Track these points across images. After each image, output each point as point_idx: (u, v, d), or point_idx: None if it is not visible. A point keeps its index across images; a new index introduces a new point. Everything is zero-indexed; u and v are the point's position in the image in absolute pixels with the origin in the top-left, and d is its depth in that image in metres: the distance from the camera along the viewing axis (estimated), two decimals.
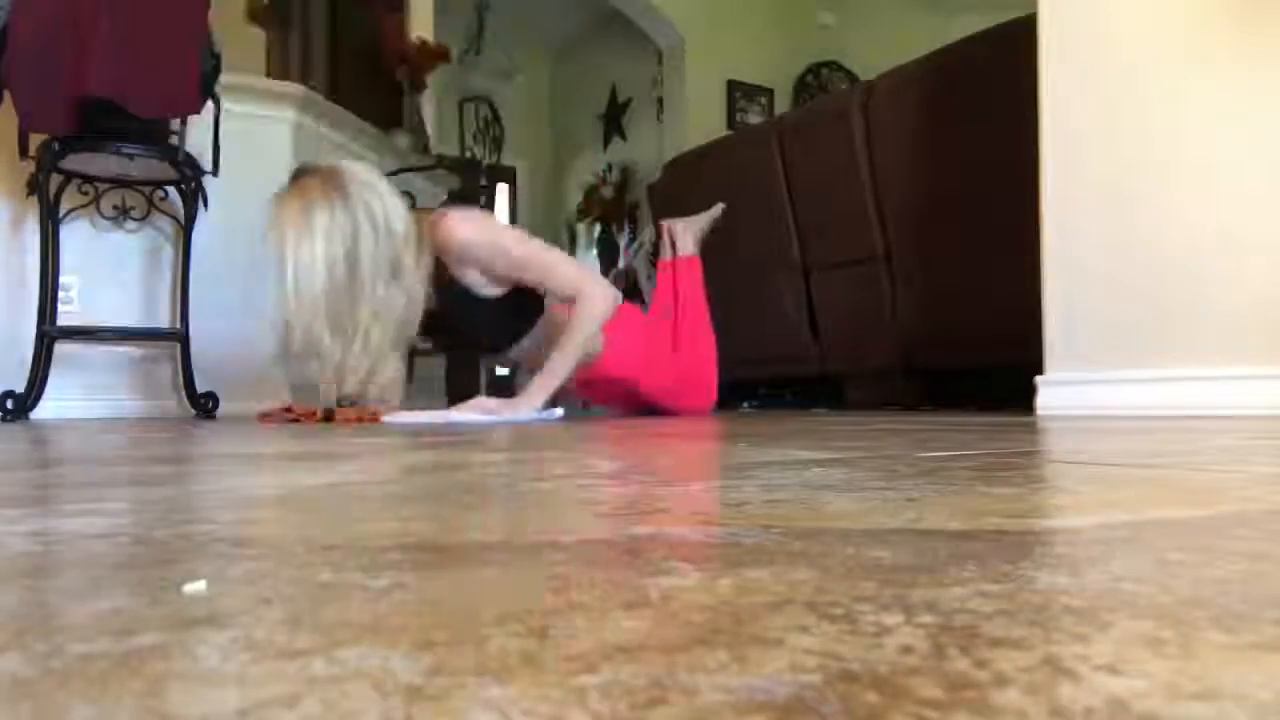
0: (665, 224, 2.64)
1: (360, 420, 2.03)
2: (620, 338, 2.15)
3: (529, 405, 1.91)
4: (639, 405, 2.36)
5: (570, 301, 1.97)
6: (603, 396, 2.44)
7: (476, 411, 1.89)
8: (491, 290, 1.95)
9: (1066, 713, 0.16)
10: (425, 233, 1.84)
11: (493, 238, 1.92)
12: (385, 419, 1.89)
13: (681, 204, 3.68)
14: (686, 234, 2.59)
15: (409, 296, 1.78)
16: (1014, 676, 0.18)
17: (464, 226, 1.87)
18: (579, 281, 2.00)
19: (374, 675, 0.19)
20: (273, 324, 1.71)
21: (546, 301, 2.04)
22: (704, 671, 0.19)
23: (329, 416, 2.02)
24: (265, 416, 2.17)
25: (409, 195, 1.96)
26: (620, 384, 2.23)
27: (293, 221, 1.67)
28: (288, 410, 2.14)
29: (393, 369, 1.80)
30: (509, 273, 1.93)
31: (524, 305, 2.01)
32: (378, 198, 1.75)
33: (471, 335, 2.07)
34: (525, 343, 2.05)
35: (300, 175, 1.76)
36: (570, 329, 1.95)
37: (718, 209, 2.68)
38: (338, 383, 1.74)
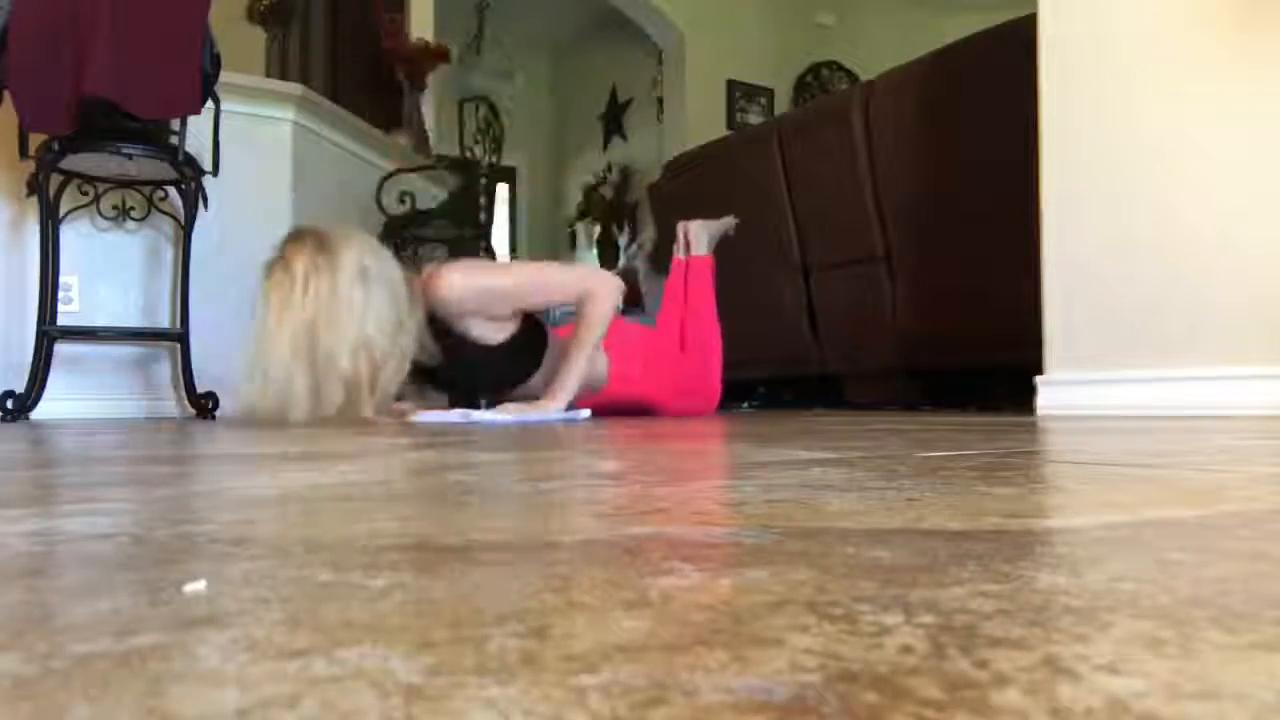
0: (682, 224, 2.67)
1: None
2: (621, 356, 2.18)
3: (556, 406, 1.92)
4: (644, 408, 2.38)
5: (579, 304, 2.00)
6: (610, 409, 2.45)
7: (505, 412, 1.90)
8: (500, 335, 1.96)
9: (1066, 713, 0.16)
10: (417, 292, 1.85)
11: (482, 282, 1.93)
12: (415, 417, 1.90)
13: (681, 204, 3.69)
14: (703, 234, 2.64)
15: (401, 353, 1.78)
16: (1014, 676, 0.18)
17: (454, 279, 1.88)
18: (580, 282, 2.02)
19: (374, 675, 0.19)
20: (251, 376, 1.70)
21: (550, 337, 2.07)
22: (704, 671, 0.19)
23: None
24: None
25: (399, 249, 1.97)
26: (627, 404, 2.25)
27: (279, 289, 1.67)
28: None
29: (390, 382, 1.81)
30: (514, 306, 1.95)
31: (531, 343, 2.03)
32: (372, 258, 1.76)
33: (482, 381, 2.07)
34: (536, 379, 2.06)
35: (290, 240, 1.77)
36: (582, 323, 1.97)
37: (731, 221, 2.72)
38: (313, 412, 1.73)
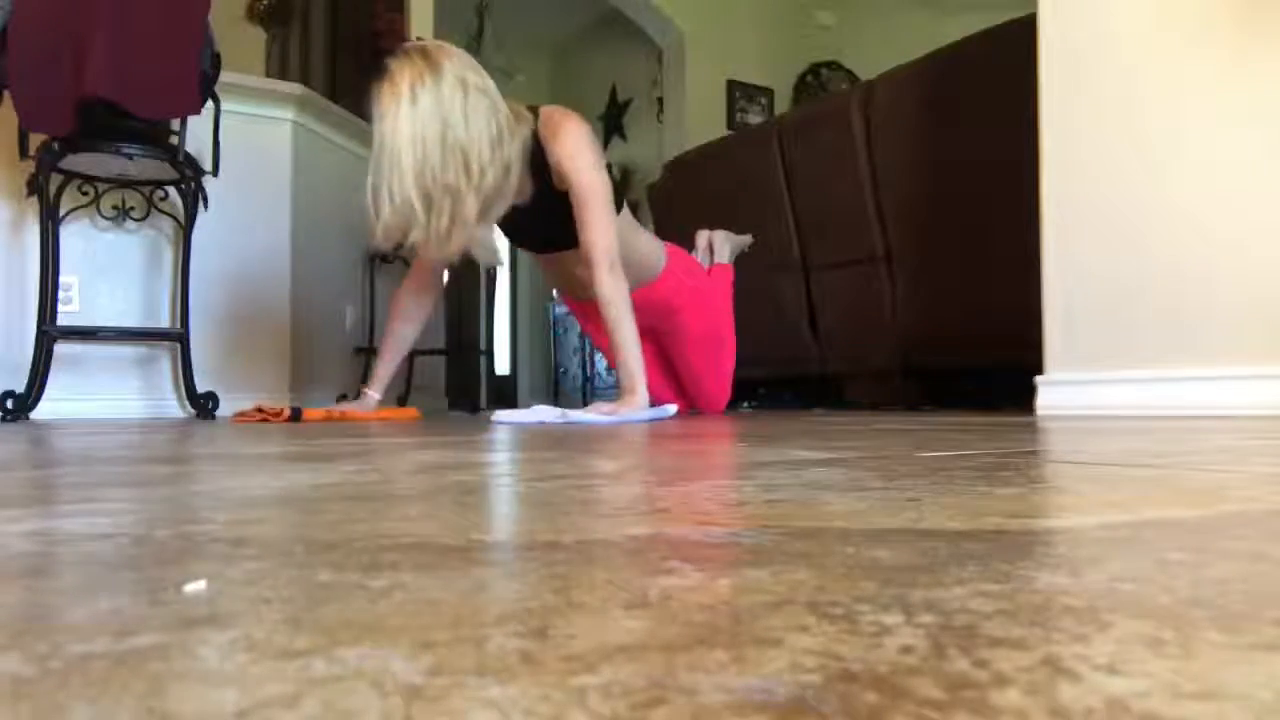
0: (704, 233, 2.70)
1: (329, 418, 2.04)
2: (677, 261, 2.27)
3: (641, 403, 1.90)
4: (653, 378, 2.42)
5: (576, 265, 2.01)
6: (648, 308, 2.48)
7: (594, 414, 1.87)
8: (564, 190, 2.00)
9: (1066, 713, 0.16)
10: (525, 117, 1.94)
11: (590, 161, 1.98)
12: (494, 417, 1.90)
13: (681, 204, 3.69)
14: (725, 245, 2.68)
15: (504, 171, 1.86)
16: (1014, 676, 0.18)
17: (570, 142, 1.95)
18: (610, 261, 1.96)
19: (374, 675, 0.19)
20: (371, 192, 1.81)
21: (626, 217, 2.12)
22: (704, 671, 0.19)
23: (296, 416, 2.04)
24: (241, 416, 2.19)
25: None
26: (665, 313, 2.30)
27: (393, 96, 1.78)
28: (259, 410, 2.15)
29: (488, 235, 1.93)
30: (574, 192, 1.97)
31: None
32: (476, 74, 1.85)
33: (555, 235, 2.07)
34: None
35: (399, 56, 1.84)
36: (614, 307, 1.94)
37: (749, 239, 2.77)
38: (437, 246, 1.85)
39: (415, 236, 1.82)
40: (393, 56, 1.84)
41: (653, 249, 2.27)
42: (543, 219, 2.03)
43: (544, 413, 1.85)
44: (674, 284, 2.29)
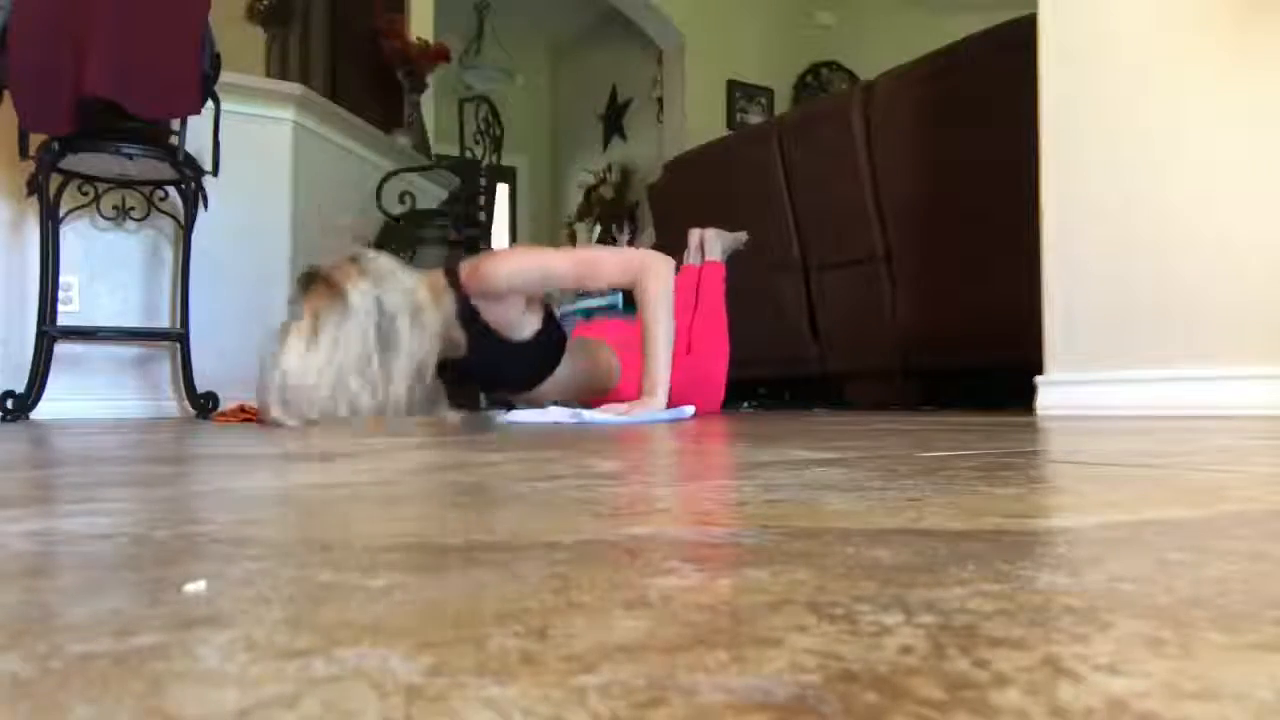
0: (696, 231, 2.68)
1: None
2: (632, 360, 2.19)
3: (657, 403, 1.91)
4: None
5: (631, 284, 1.99)
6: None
7: (609, 413, 1.87)
8: (526, 331, 1.97)
9: (1066, 713, 0.16)
10: (442, 286, 1.86)
11: (538, 260, 1.96)
12: (506, 418, 1.90)
13: (681, 204, 3.69)
14: (716, 242, 2.66)
15: (420, 363, 1.77)
16: (1014, 676, 0.18)
17: (506, 263, 1.91)
18: (633, 260, 1.99)
19: (374, 675, 0.19)
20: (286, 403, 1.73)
21: (569, 332, 2.09)
22: (704, 671, 0.19)
23: None
24: (221, 416, 2.18)
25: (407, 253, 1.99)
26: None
27: (299, 345, 1.69)
28: (242, 410, 2.14)
29: (419, 394, 1.81)
30: (571, 284, 1.96)
31: (552, 343, 2.05)
32: (386, 289, 1.75)
33: (502, 377, 2.08)
34: (560, 372, 2.08)
35: (305, 286, 1.78)
36: (648, 308, 1.95)
37: (743, 236, 2.75)
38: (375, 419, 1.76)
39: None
40: (300, 289, 1.78)
41: (607, 359, 2.20)
42: (491, 361, 1.99)
43: (557, 414, 1.87)
44: (631, 381, 2.24)
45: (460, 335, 1.88)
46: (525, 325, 1.97)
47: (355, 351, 1.70)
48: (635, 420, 1.83)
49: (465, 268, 1.93)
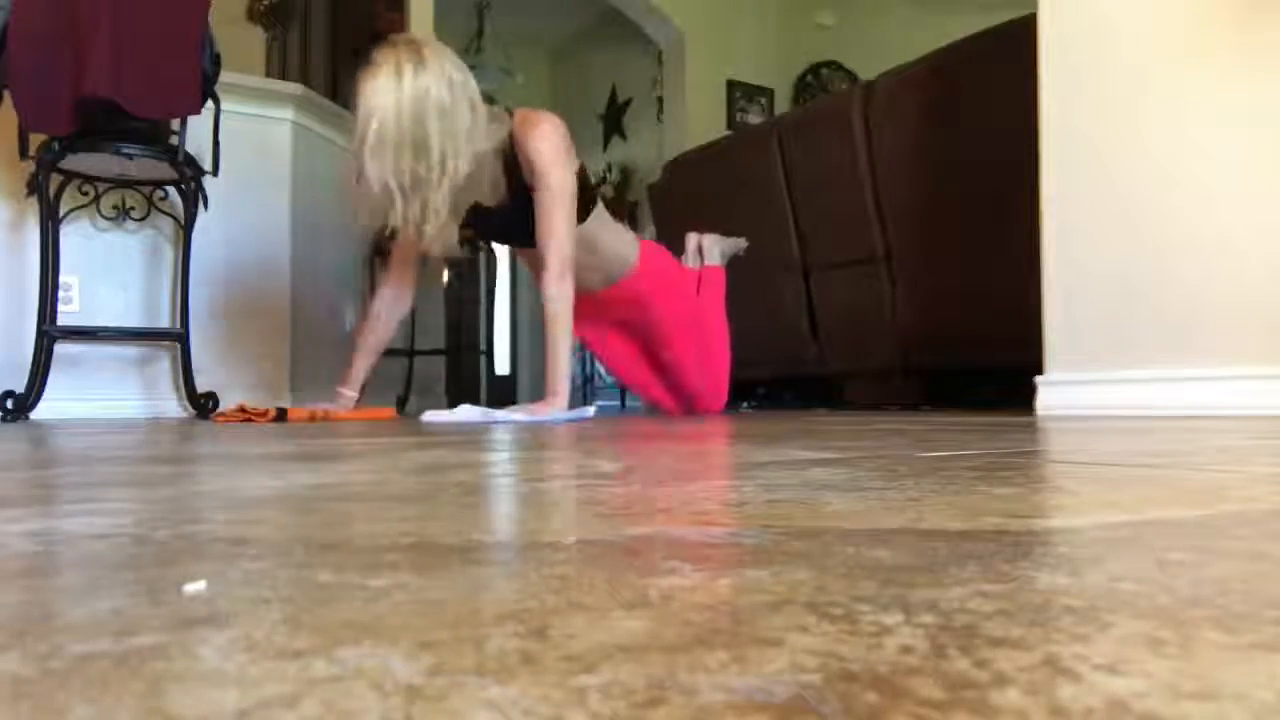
0: (694, 236, 2.69)
1: (312, 419, 2.04)
2: (649, 258, 2.27)
3: (560, 403, 1.95)
4: (644, 377, 2.43)
5: (540, 264, 2.02)
6: (609, 338, 2.48)
7: (516, 414, 1.92)
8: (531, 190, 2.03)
9: (1066, 713, 0.16)
10: (503, 120, 1.97)
11: (563, 160, 2.02)
12: (424, 417, 1.93)
13: (681, 204, 3.69)
14: (715, 247, 2.68)
15: (474, 164, 1.90)
16: (1014, 676, 0.18)
17: (554, 141, 2.00)
18: (569, 257, 2.01)
19: (374, 675, 0.19)
20: (353, 171, 1.88)
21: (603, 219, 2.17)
22: (704, 671, 0.19)
23: (281, 416, 2.04)
24: (221, 416, 2.19)
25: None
26: (640, 308, 2.29)
27: (375, 79, 1.83)
28: (242, 410, 2.15)
29: (451, 228, 1.95)
30: (537, 192, 2.00)
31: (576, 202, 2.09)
32: (458, 71, 1.89)
33: (527, 233, 2.09)
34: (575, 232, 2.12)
35: (386, 45, 1.89)
36: (553, 312, 1.99)
37: (742, 243, 2.76)
38: (413, 232, 1.89)
39: (393, 220, 1.87)
40: (380, 46, 1.88)
41: (623, 250, 2.28)
42: (516, 217, 2.05)
43: (468, 413, 1.91)
44: (645, 282, 2.31)
45: (501, 178, 1.99)
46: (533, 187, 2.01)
47: (434, 95, 1.83)
48: (540, 420, 1.86)
49: (522, 112, 2.02)
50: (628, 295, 2.28)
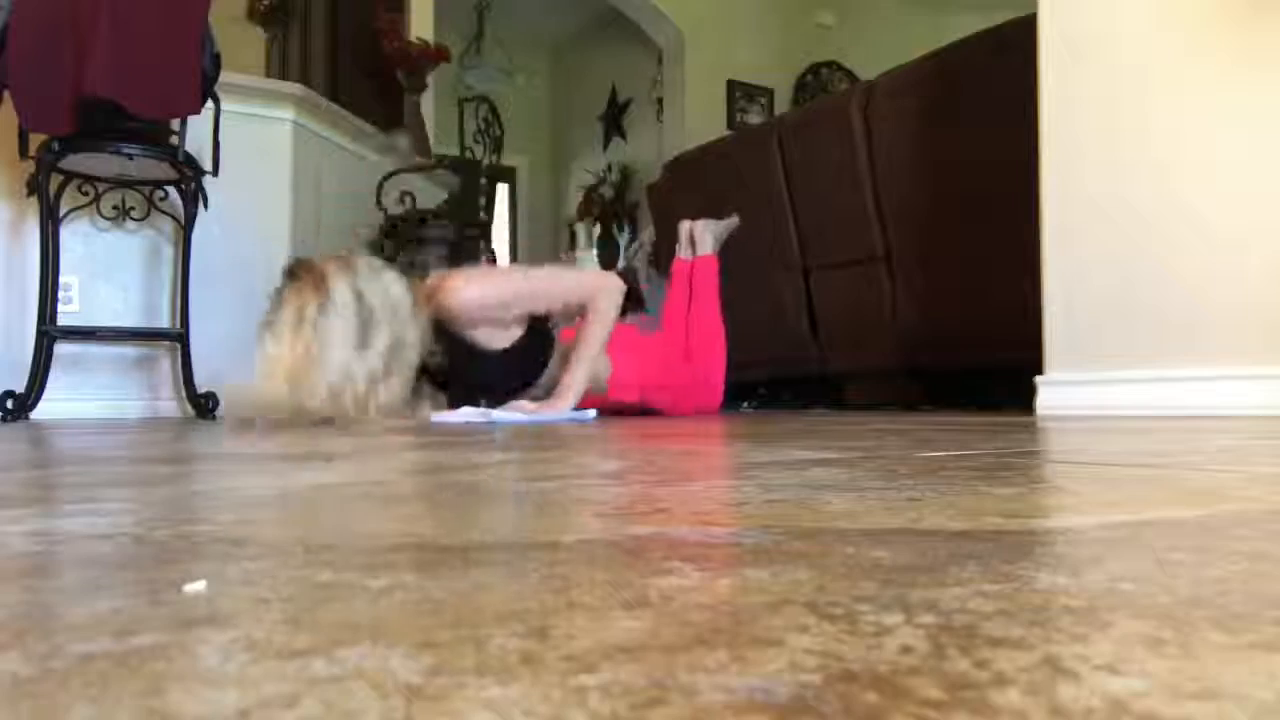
0: (686, 223, 2.68)
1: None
2: (624, 361, 2.20)
3: (564, 405, 1.96)
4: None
5: (586, 299, 2.03)
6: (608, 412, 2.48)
7: (516, 412, 1.92)
8: (504, 341, 1.97)
9: (1066, 713, 0.16)
10: (422, 298, 1.85)
11: (490, 291, 1.95)
12: (431, 419, 1.92)
13: (681, 204, 3.69)
14: (706, 234, 2.66)
15: (405, 368, 1.78)
16: (1014, 676, 0.18)
17: (470, 289, 1.90)
18: (585, 284, 2.07)
19: (374, 675, 0.19)
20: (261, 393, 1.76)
21: (555, 336, 2.09)
22: (704, 671, 0.19)
23: None
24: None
25: (393, 263, 2.00)
26: (626, 406, 2.28)
27: (287, 326, 1.71)
28: None
29: (389, 395, 1.81)
30: (521, 312, 1.97)
31: (535, 349, 2.04)
32: (372, 286, 1.76)
33: (485, 386, 2.07)
34: (547, 377, 2.08)
35: (286, 277, 1.81)
36: (587, 324, 2.01)
37: (734, 221, 2.74)
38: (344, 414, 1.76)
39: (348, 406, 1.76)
40: (285, 279, 1.81)
41: (597, 364, 2.18)
42: (475, 370, 2.00)
43: (468, 413, 1.91)
44: (625, 385, 2.25)
45: (435, 346, 1.86)
46: (500, 337, 1.97)
47: (336, 343, 1.70)
48: (540, 419, 1.87)
49: (425, 287, 1.90)
50: (614, 403, 2.24)
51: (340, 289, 1.73)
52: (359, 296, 1.74)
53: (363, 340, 1.72)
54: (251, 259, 2.92)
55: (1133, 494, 0.50)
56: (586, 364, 2.01)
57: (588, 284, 2.09)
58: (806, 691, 0.18)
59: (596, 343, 2.03)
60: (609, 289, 2.07)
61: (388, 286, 1.80)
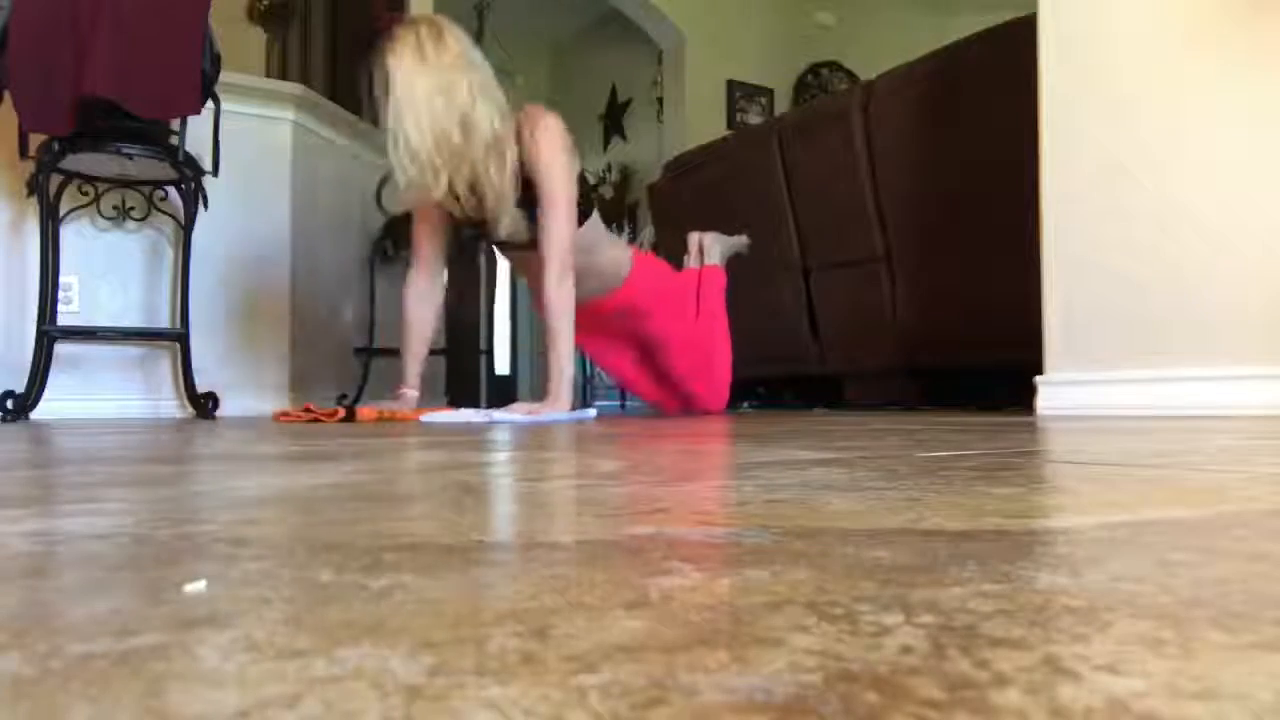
0: (695, 235, 2.69)
1: (380, 419, 2.02)
2: (643, 267, 2.26)
3: (563, 405, 1.96)
4: (645, 381, 2.43)
5: (541, 265, 2.02)
6: (608, 347, 2.48)
7: (516, 413, 1.92)
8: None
9: (1066, 713, 0.16)
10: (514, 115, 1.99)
11: (566, 161, 2.02)
12: (423, 418, 1.92)
13: (681, 204, 3.69)
14: (715, 246, 2.68)
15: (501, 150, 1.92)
16: (1014, 676, 0.18)
17: (556, 136, 2.01)
18: (569, 256, 2.02)
19: (374, 675, 0.19)
20: (391, 149, 1.89)
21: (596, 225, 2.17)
22: (704, 671, 0.19)
23: (350, 416, 2.01)
24: (284, 416, 2.16)
25: None
26: (636, 318, 2.28)
27: (401, 57, 1.86)
28: (307, 410, 2.12)
29: (514, 208, 1.97)
30: (542, 189, 2.00)
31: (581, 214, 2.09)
32: (476, 53, 1.94)
33: (533, 236, 2.10)
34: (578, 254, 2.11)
35: (407, 24, 1.94)
36: (555, 314, 2.00)
37: (744, 240, 2.75)
38: (491, 212, 1.93)
39: (438, 195, 1.89)
40: (399, 27, 1.92)
41: (618, 256, 2.28)
42: (519, 216, 2.05)
43: (468, 414, 1.91)
44: (640, 290, 2.31)
45: (515, 175, 1.97)
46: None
47: (467, 62, 1.86)
48: (541, 420, 1.86)
49: (527, 110, 2.03)
50: (623, 305, 2.29)
51: (452, 27, 1.90)
52: (470, 58, 1.90)
53: (480, 85, 1.88)
54: (251, 259, 2.92)
55: (1133, 494, 0.50)
56: (568, 361, 2.00)
57: (566, 257, 2.01)
58: (807, 691, 0.18)
59: (563, 339, 2.00)
60: (559, 271, 1.99)
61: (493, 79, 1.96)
